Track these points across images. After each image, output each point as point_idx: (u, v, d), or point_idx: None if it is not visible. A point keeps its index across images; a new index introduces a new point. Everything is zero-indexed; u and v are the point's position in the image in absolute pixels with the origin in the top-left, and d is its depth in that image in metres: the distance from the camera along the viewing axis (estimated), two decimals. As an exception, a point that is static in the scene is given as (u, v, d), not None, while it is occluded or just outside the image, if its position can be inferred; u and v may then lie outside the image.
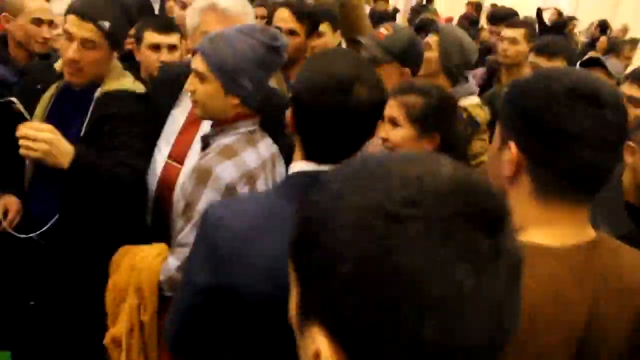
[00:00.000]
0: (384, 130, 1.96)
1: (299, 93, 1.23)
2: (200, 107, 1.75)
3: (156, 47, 2.65)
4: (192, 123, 2.03)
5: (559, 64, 2.91)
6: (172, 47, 2.65)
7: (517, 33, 3.53)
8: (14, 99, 1.80)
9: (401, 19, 10.71)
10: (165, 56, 2.63)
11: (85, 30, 1.93)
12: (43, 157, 1.75)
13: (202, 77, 1.70)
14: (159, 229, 1.97)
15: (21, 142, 1.73)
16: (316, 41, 2.97)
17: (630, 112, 3.23)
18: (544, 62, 2.96)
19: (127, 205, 2.05)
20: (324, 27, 3.06)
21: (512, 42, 3.52)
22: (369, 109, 1.21)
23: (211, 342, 1.32)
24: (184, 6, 3.27)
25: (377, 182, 0.54)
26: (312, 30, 2.77)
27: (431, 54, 2.59)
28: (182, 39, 2.72)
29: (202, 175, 1.63)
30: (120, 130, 1.99)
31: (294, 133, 1.28)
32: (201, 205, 1.62)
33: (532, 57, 3.10)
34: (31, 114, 2.02)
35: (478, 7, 10.08)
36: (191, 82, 1.73)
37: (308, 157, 1.26)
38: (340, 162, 1.17)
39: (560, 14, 9.51)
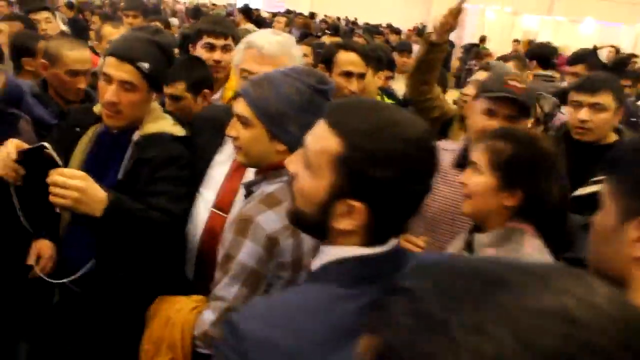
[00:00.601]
0: (465, 175, 1.78)
1: (378, 178, 0.97)
2: (243, 153, 1.67)
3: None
4: (237, 170, 1.94)
5: (604, 99, 2.57)
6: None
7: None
8: (46, 144, 1.74)
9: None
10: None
11: (123, 71, 1.89)
12: (74, 206, 1.70)
13: (245, 122, 1.62)
14: (201, 282, 1.88)
15: (51, 189, 1.68)
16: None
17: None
18: (587, 99, 2.60)
19: (164, 253, 1.97)
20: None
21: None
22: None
23: None
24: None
25: (503, 320, 0.39)
26: (376, 73, 2.71)
27: None
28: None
29: (242, 225, 1.54)
30: (158, 174, 1.93)
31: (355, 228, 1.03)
32: (241, 257, 1.53)
33: (574, 96, 2.67)
34: (70, 156, 2.00)
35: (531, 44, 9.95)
36: (234, 127, 1.65)
37: (369, 239, 1.04)
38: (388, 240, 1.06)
39: (617, 51, 9.24)
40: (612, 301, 0.41)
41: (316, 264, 1.09)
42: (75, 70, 2.71)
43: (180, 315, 1.65)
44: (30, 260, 2.03)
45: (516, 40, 13.36)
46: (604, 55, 6.92)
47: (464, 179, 1.76)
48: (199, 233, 1.93)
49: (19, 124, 2.21)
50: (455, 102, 3.30)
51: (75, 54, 2.72)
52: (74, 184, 1.68)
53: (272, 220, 1.55)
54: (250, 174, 1.85)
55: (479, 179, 1.70)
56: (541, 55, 4.84)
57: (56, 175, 1.68)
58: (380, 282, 1.01)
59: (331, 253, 1.06)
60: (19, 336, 2.23)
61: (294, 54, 1.99)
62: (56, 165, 1.71)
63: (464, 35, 13.90)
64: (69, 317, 2.07)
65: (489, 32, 12.76)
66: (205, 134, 2.04)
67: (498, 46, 12.14)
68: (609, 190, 0.95)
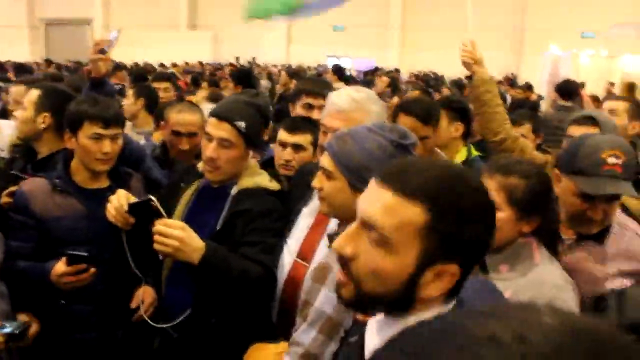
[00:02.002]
0: None
1: (470, 235, 0.96)
2: (326, 203, 1.73)
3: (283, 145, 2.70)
4: (320, 222, 2.01)
5: None
6: (298, 147, 2.67)
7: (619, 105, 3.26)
8: (152, 197, 1.92)
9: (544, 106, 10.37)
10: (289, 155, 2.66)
11: (222, 130, 2.05)
12: (173, 253, 1.85)
13: (328, 175, 1.68)
14: (284, 328, 1.93)
15: (155, 237, 1.83)
16: None
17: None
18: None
19: (257, 302, 2.06)
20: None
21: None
22: None
23: None
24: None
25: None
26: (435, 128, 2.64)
27: None
28: None
29: (321, 273, 1.62)
30: (253, 226, 2.04)
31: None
32: (318, 304, 1.60)
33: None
34: (174, 209, 2.17)
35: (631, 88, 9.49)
36: (318, 179, 1.73)
37: (448, 297, 1.01)
38: None
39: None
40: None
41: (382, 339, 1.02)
42: (178, 130, 2.91)
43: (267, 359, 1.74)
44: (134, 304, 2.19)
45: (611, 83, 12.73)
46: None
47: None
48: (282, 281, 2.01)
49: (131, 181, 2.40)
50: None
51: (177, 116, 2.94)
52: (174, 234, 1.82)
53: None
54: (333, 225, 1.91)
55: (499, 215, 1.71)
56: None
57: (160, 225, 1.83)
58: None
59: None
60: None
61: (370, 109, 2.01)
62: (161, 216, 1.87)
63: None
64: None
65: (586, 77, 12.34)
66: (300, 187, 2.14)
67: (595, 91, 11.69)
68: None
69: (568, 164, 1.88)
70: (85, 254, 2.04)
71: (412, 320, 1.00)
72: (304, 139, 2.71)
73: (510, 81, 15.85)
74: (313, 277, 1.62)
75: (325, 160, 1.69)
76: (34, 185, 2.25)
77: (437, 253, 0.95)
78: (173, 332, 2.11)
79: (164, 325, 2.10)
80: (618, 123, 3.04)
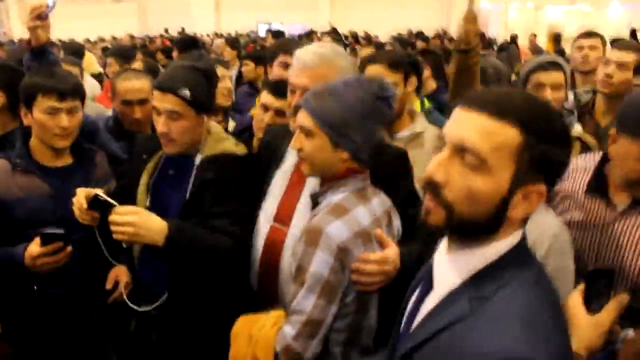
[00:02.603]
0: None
1: (557, 156, 1.03)
2: (308, 164, 1.69)
3: (266, 108, 2.63)
4: (295, 184, 1.96)
5: None
6: (280, 112, 2.58)
7: (630, 57, 2.98)
8: (98, 192, 1.89)
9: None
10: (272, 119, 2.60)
11: (167, 102, 1.95)
12: (133, 239, 1.82)
13: (308, 133, 1.64)
14: (266, 294, 1.92)
15: (111, 228, 1.80)
16: None
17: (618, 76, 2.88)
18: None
19: (233, 272, 2.01)
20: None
21: (620, 68, 2.94)
22: None
23: None
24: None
25: None
26: (408, 79, 2.55)
27: None
28: None
29: (312, 236, 1.57)
30: (221, 195, 1.98)
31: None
32: (313, 268, 1.55)
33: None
34: (138, 182, 2.09)
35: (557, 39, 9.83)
36: (297, 139, 1.68)
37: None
38: None
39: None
40: None
41: (461, 273, 1.07)
42: (128, 100, 2.78)
43: (262, 333, 1.66)
44: (109, 285, 2.11)
45: (534, 35, 13.02)
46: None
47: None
48: (260, 247, 1.95)
49: (95, 157, 2.30)
50: None
51: (125, 84, 2.80)
52: (127, 220, 1.78)
53: (341, 230, 1.57)
54: (309, 186, 1.88)
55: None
56: None
57: (112, 215, 1.79)
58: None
59: (487, 254, 1.05)
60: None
61: (337, 64, 1.93)
62: (113, 206, 1.83)
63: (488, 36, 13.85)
64: (149, 342, 2.12)
65: (514, 29, 12.65)
66: (269, 150, 2.08)
67: (524, 43, 12.03)
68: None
69: (632, 123, 1.65)
70: (61, 231, 1.95)
71: (490, 251, 1.05)
72: (287, 104, 2.67)
73: (440, 37, 16.02)
74: (305, 242, 1.57)
75: (303, 119, 1.64)
76: None
77: (528, 174, 1.00)
78: (153, 311, 2.05)
79: (146, 309, 2.05)
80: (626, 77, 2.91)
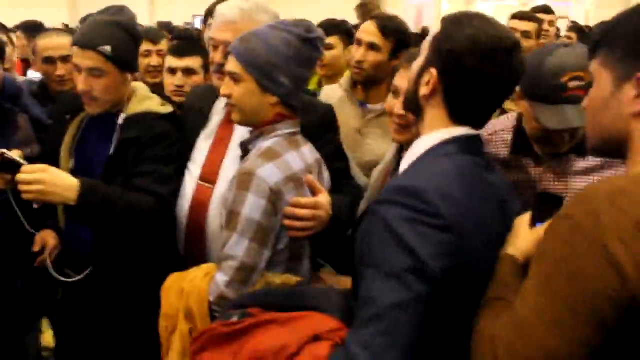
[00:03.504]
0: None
1: (460, 54, 1.19)
2: (237, 110, 1.68)
3: (173, 71, 2.62)
4: (221, 140, 1.94)
5: None
6: (189, 71, 2.62)
7: (531, 27, 3.39)
8: (3, 150, 1.79)
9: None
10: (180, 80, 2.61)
11: (88, 59, 1.90)
12: (43, 197, 1.75)
13: (236, 79, 1.63)
14: (194, 255, 1.88)
15: (19, 187, 1.73)
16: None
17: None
18: None
19: (159, 235, 1.97)
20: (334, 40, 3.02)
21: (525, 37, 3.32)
22: (522, 73, 1.25)
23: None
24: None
25: None
26: (397, 51, 2.43)
27: None
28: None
29: (244, 180, 1.55)
30: (144, 154, 1.94)
31: (433, 98, 1.25)
32: (245, 212, 1.54)
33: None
34: (62, 142, 2.02)
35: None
36: (226, 86, 1.66)
37: (458, 121, 1.24)
38: (483, 125, 1.30)
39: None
40: None
41: (419, 149, 1.27)
42: (50, 57, 2.68)
43: (193, 284, 1.62)
44: (36, 247, 2.02)
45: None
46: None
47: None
48: (186, 207, 1.92)
49: (17, 119, 2.22)
50: None
51: (45, 40, 2.71)
52: (34, 178, 1.72)
53: (273, 173, 1.57)
54: (235, 143, 1.85)
55: None
56: None
57: (20, 174, 1.73)
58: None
59: (431, 138, 1.26)
60: (27, 329, 2.20)
61: (260, 19, 1.88)
62: (21, 166, 1.75)
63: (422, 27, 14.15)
64: (78, 310, 2.06)
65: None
66: (194, 111, 2.04)
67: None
68: (599, 64, 1.06)
69: (528, 87, 1.63)
70: None
71: (430, 138, 1.28)
72: (194, 62, 2.63)
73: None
74: (236, 186, 1.55)
75: (231, 64, 1.64)
76: None
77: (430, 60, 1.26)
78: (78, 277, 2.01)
79: (70, 280, 1.99)
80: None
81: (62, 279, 2.00)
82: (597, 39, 1.08)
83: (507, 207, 1.29)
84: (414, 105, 1.30)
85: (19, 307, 2.19)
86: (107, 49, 1.89)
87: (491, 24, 1.22)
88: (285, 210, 1.60)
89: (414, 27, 13.08)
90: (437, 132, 1.24)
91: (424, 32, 10.82)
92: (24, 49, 4.40)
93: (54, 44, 2.70)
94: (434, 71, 1.22)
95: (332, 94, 2.57)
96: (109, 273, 1.99)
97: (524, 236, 1.22)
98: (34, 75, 3.45)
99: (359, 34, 2.50)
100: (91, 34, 1.92)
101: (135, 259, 1.99)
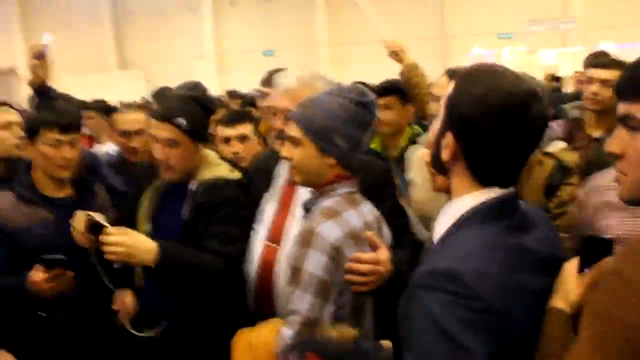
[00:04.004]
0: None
1: (471, 117, 1.14)
2: (298, 172, 1.77)
3: (227, 140, 2.81)
4: (285, 204, 2.05)
5: None
6: (242, 138, 2.81)
7: (612, 75, 2.93)
8: (90, 213, 1.96)
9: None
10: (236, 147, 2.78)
11: (164, 131, 2.06)
12: (124, 259, 1.90)
13: (296, 142, 1.73)
14: (262, 313, 1.95)
15: (103, 248, 1.89)
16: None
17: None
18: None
19: (229, 294, 2.07)
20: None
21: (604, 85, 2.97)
22: (544, 124, 1.19)
23: None
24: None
25: None
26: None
27: None
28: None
29: (306, 237, 1.62)
30: (215, 217, 2.06)
31: (456, 161, 1.20)
32: (307, 267, 1.60)
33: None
34: (139, 208, 2.19)
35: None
36: (287, 149, 1.76)
37: (484, 183, 1.20)
38: (514, 183, 1.22)
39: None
40: None
41: (451, 215, 1.22)
42: (125, 130, 2.98)
43: (261, 339, 1.70)
44: (116, 306, 2.17)
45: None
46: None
47: None
48: (255, 266, 2.02)
49: (95, 189, 2.41)
50: None
51: (121, 116, 3.04)
52: (116, 240, 1.88)
53: (333, 230, 1.63)
54: (298, 204, 1.95)
55: None
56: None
57: (104, 236, 1.89)
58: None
59: (460, 204, 1.21)
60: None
61: (316, 86, 2.00)
62: (104, 227, 1.91)
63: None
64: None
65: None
66: (259, 176, 2.18)
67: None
68: None
69: None
70: (61, 256, 2.01)
71: (465, 201, 1.21)
72: (245, 128, 2.80)
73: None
74: (299, 243, 1.62)
75: (291, 129, 1.73)
76: None
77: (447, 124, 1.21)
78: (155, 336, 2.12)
79: (147, 334, 2.11)
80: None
81: (139, 334, 2.12)
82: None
83: (551, 263, 1.24)
84: (439, 168, 1.26)
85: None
86: (182, 121, 2.04)
87: (503, 78, 1.15)
88: (346, 266, 1.66)
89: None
90: (465, 196, 1.21)
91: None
92: (91, 126, 4.77)
93: (131, 119, 3.00)
94: (449, 136, 1.19)
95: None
96: (183, 329, 2.09)
97: (572, 285, 1.17)
98: (110, 147, 3.76)
99: (434, 89, 2.66)
100: (168, 107, 2.09)
101: (207, 315, 2.08)
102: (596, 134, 3.04)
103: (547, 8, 18.20)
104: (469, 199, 1.20)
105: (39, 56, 2.62)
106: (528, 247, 1.18)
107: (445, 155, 1.20)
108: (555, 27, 17.40)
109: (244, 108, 4.76)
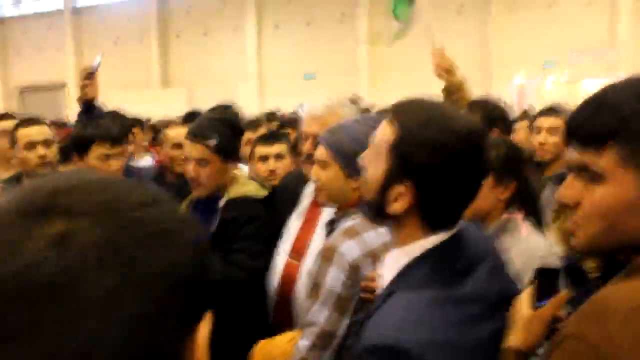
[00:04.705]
0: None
1: (432, 164, 1.07)
2: (323, 193, 1.86)
3: (264, 158, 2.91)
4: (310, 221, 2.15)
5: None
6: (279, 156, 2.92)
7: (558, 123, 2.96)
8: None
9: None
10: (273, 165, 2.88)
11: (196, 150, 2.18)
12: None
13: (323, 164, 1.82)
14: (281, 324, 2.04)
15: None
16: None
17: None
18: None
19: (249, 303, 2.14)
20: None
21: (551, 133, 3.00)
22: (488, 158, 1.18)
23: None
24: None
25: None
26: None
27: None
28: None
29: (327, 254, 1.70)
30: (240, 233, 2.15)
31: (409, 213, 1.14)
32: (327, 283, 1.67)
33: None
34: None
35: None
36: (314, 171, 1.86)
37: (433, 229, 1.15)
38: (457, 222, 1.17)
39: None
40: None
41: (396, 264, 1.19)
42: (180, 143, 3.11)
43: (279, 350, 1.79)
44: None
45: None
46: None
47: None
48: (277, 281, 2.11)
49: None
50: None
51: (175, 131, 3.27)
52: None
53: (353, 249, 1.69)
54: (322, 224, 2.05)
55: None
56: None
57: None
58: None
59: (406, 252, 1.16)
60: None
61: (343, 112, 2.13)
62: None
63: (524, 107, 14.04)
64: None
65: (552, 102, 12.77)
66: (287, 192, 2.31)
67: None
68: (615, 161, 0.90)
69: None
70: None
71: (409, 249, 1.18)
72: (282, 147, 2.95)
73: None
74: (320, 259, 1.71)
75: (320, 152, 1.83)
76: None
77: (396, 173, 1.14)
78: None
79: None
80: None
81: None
82: (605, 131, 0.91)
83: (501, 302, 1.19)
84: (381, 219, 1.20)
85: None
86: (213, 142, 2.15)
87: (450, 118, 1.10)
88: (362, 284, 1.70)
89: (516, 108, 13.03)
90: (413, 244, 1.16)
91: (526, 113, 10.69)
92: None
93: (183, 132, 3.11)
94: (404, 186, 1.11)
95: None
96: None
97: (525, 321, 1.11)
98: (147, 161, 3.93)
99: None
100: (200, 128, 2.21)
101: (228, 327, 2.11)
102: None
103: (593, 37, 17.99)
104: (416, 246, 1.16)
105: (89, 77, 2.74)
106: (476, 293, 1.13)
107: (397, 207, 1.12)
108: (599, 56, 17.16)
109: (281, 129, 4.94)
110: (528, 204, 1.99)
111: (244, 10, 22.52)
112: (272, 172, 2.86)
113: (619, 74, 16.70)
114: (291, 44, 22.34)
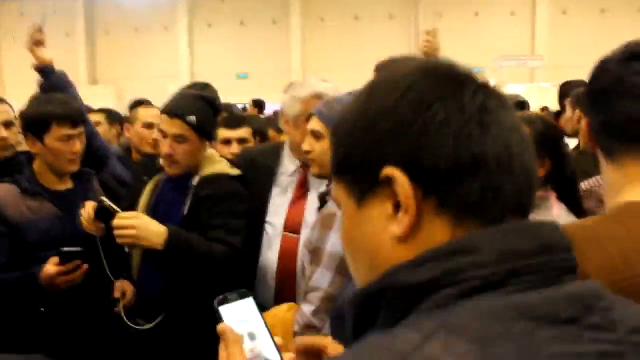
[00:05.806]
0: None
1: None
2: (317, 164, 1.86)
3: (227, 142, 2.91)
4: (299, 197, 2.18)
5: None
6: (242, 140, 2.92)
7: None
8: (103, 198, 2.03)
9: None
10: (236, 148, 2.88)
11: (174, 126, 2.11)
12: (135, 242, 1.96)
13: (318, 136, 1.83)
14: (285, 299, 1.99)
15: (114, 232, 1.95)
16: None
17: None
18: None
19: (231, 282, 2.07)
20: None
21: None
22: None
23: None
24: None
25: None
26: None
27: None
28: None
29: (326, 220, 1.71)
30: (217, 209, 2.11)
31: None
32: (329, 248, 1.67)
33: None
34: (138, 201, 2.22)
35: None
36: (307, 143, 1.86)
37: None
38: None
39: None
40: None
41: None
42: (151, 122, 3.14)
43: (277, 319, 1.76)
44: (117, 294, 2.16)
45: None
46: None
47: None
48: (275, 256, 2.11)
49: (93, 181, 2.41)
50: None
51: (148, 111, 3.26)
52: (129, 223, 1.94)
53: None
54: (312, 198, 2.07)
55: None
56: None
57: (116, 220, 1.94)
58: None
59: None
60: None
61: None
62: (116, 212, 1.97)
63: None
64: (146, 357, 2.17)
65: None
66: (260, 171, 2.28)
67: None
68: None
69: None
70: (79, 249, 2.00)
71: None
72: (245, 131, 2.95)
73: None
74: (320, 225, 1.71)
75: (315, 124, 1.83)
76: (2, 191, 2.14)
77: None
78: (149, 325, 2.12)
79: (144, 327, 2.11)
80: None
81: (134, 326, 2.11)
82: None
83: None
84: None
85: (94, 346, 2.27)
86: (193, 118, 2.09)
87: None
88: None
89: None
90: None
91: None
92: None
93: (154, 113, 3.16)
94: None
95: None
96: (180, 322, 2.09)
97: None
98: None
99: None
100: (179, 104, 2.14)
101: (205, 307, 2.09)
102: None
103: (516, 45, 18.87)
104: None
105: (39, 36, 2.61)
106: None
107: None
108: (522, 63, 18.02)
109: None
110: (562, 184, 1.94)
111: (175, 8, 22.09)
112: (234, 155, 2.79)
113: (538, 81, 17.65)
114: (224, 43, 22.11)
